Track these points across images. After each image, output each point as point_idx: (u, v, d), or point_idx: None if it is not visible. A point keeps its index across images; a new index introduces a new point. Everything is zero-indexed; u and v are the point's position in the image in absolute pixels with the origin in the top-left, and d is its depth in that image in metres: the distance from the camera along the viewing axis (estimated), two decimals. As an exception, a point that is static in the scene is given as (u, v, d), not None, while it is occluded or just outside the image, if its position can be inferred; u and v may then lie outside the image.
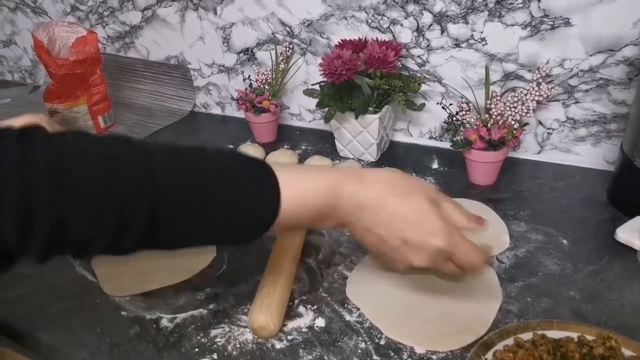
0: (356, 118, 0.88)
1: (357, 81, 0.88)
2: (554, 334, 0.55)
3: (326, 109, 0.91)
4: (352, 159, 0.98)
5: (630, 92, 0.81)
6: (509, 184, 0.86)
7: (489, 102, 0.83)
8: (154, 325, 0.62)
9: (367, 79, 0.89)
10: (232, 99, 1.09)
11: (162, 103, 1.28)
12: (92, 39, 1.09)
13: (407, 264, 0.54)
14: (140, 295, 0.67)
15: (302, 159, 0.97)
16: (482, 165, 0.85)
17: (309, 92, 0.93)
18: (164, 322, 0.63)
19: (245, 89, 1.05)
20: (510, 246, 0.72)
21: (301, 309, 0.64)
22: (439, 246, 0.52)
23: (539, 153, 0.93)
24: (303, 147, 1.05)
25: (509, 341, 0.54)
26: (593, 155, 0.89)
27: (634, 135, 0.74)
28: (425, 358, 0.56)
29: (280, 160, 0.95)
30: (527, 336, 0.55)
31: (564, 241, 0.72)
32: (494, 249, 0.70)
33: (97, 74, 1.13)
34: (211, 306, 0.65)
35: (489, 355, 0.53)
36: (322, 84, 0.93)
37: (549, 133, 0.91)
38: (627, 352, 0.52)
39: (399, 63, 0.93)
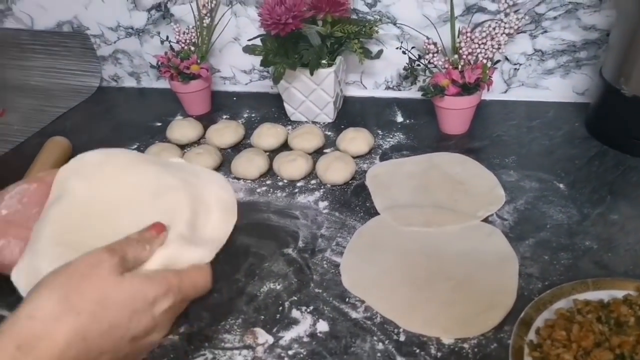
0: (311, 74, 0.75)
1: (304, 31, 0.74)
2: (591, 295, 0.49)
3: (271, 67, 0.77)
4: (306, 122, 0.86)
5: (600, 14, 0.75)
6: (483, 130, 0.79)
7: (458, 40, 0.74)
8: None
9: (315, 26, 0.76)
10: (152, 66, 0.91)
11: (61, 81, 1.06)
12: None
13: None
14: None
15: (249, 130, 0.83)
16: (457, 113, 0.76)
17: (250, 50, 0.78)
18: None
19: (166, 52, 0.88)
20: (507, 199, 0.64)
21: (295, 313, 0.53)
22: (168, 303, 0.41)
23: (505, 92, 0.86)
24: (245, 115, 0.90)
25: (547, 313, 0.47)
26: (562, 88, 0.83)
27: (618, 59, 0.68)
28: (456, 349, 0.47)
29: (225, 135, 0.80)
30: (563, 304, 0.48)
31: (560, 185, 0.66)
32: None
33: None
34: (182, 329, 0.52)
35: (531, 334, 0.46)
36: (263, 37, 0.78)
37: (515, 69, 0.84)
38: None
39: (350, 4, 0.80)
